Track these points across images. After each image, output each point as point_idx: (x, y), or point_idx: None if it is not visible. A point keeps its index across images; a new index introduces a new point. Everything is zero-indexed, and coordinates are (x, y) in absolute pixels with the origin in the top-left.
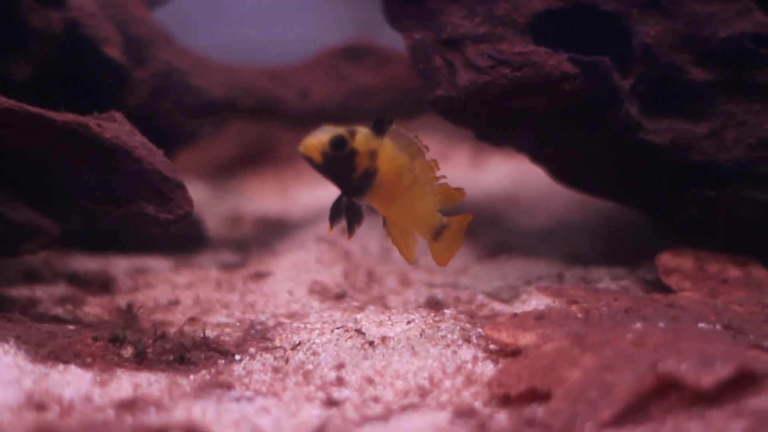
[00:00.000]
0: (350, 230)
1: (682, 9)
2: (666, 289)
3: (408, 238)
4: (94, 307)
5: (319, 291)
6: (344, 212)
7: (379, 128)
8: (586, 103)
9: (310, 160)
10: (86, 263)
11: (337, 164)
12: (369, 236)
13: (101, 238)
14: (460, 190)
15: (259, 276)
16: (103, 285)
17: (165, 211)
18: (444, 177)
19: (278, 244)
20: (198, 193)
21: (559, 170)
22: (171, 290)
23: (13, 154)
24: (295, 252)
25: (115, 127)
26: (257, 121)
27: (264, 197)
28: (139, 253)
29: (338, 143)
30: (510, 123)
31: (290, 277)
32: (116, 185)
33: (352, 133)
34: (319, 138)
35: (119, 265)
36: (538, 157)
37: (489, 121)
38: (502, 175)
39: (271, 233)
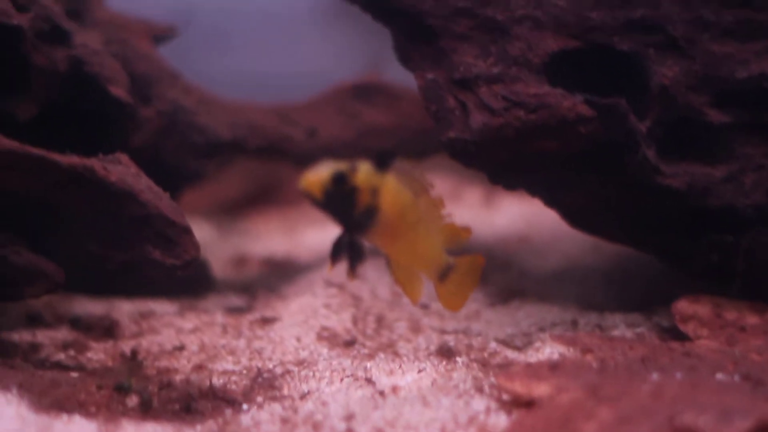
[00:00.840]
0: (352, 268)
1: (700, 49)
2: (682, 337)
3: (413, 277)
4: (97, 353)
5: (328, 337)
6: (346, 250)
7: (382, 163)
8: (601, 147)
9: (310, 197)
10: (89, 307)
11: (338, 201)
12: (378, 281)
13: (104, 280)
14: (466, 229)
15: (266, 321)
16: (107, 330)
17: (171, 256)
18: (450, 215)
19: (285, 287)
20: (203, 233)
21: (573, 214)
22: (176, 335)
23: (16, 196)
24: (302, 296)
25: (121, 170)
26: (265, 160)
27: (270, 238)
28: (143, 296)
29: (339, 180)
30: (524, 166)
31: (298, 323)
32: (122, 229)
33: (354, 169)
34: (320, 174)
35: (123, 309)
36: (551, 201)
37: (502, 164)
38: (514, 215)
39: (278, 276)
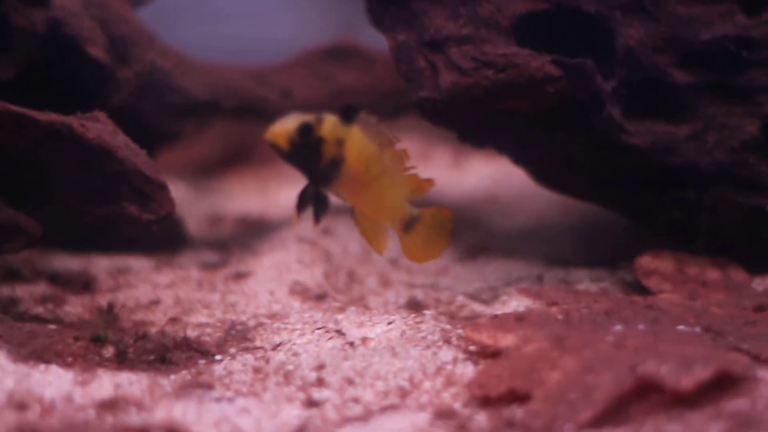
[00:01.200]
0: (316, 218)
1: (665, 11)
2: (645, 291)
3: (377, 229)
4: (75, 307)
5: (300, 291)
6: (311, 201)
7: (347, 116)
8: (568, 106)
9: (276, 148)
10: (67, 262)
11: (304, 152)
12: (349, 237)
13: (82, 237)
14: (429, 181)
15: (240, 276)
16: (84, 284)
17: (147, 211)
18: (414, 167)
19: (259, 244)
20: (179, 192)
21: (541, 172)
22: (152, 290)
23: None
24: (275, 252)
25: (99, 127)
26: (240, 120)
27: (245, 197)
28: (120, 252)
29: (305, 131)
30: (493, 125)
31: (271, 278)
32: (99, 185)
33: (320, 121)
34: (286, 126)
35: (100, 265)
36: (520, 159)
37: (472, 123)
38: (483, 175)
39: (252, 233)
